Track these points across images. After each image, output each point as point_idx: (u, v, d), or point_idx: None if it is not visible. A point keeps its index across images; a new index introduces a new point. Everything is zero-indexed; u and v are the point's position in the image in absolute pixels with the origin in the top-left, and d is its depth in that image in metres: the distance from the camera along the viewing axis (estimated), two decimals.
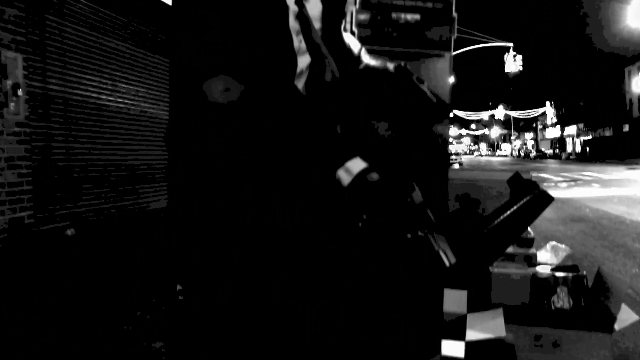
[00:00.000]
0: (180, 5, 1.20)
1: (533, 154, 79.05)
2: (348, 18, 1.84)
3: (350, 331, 1.24)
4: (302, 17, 1.25)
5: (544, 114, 79.74)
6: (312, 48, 1.25)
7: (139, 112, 6.96)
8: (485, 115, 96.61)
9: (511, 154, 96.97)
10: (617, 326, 2.25)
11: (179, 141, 1.20)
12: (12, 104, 4.57)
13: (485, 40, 23.61)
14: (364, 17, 1.80)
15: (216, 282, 1.18)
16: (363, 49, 1.45)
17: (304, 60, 1.26)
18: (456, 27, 1.98)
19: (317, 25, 1.29)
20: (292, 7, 1.25)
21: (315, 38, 1.25)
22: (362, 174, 1.08)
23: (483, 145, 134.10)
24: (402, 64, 1.40)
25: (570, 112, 67.66)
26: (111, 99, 6.38)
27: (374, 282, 1.20)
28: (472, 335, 1.94)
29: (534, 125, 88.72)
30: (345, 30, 1.39)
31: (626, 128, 50.02)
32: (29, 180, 4.78)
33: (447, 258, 1.10)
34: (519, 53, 25.49)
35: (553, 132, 77.07)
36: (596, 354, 2.26)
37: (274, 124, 1.07)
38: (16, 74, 4.63)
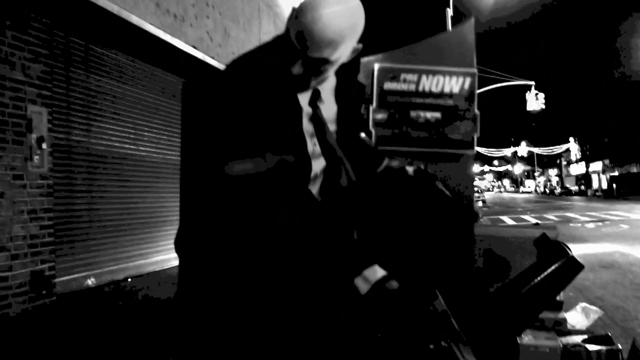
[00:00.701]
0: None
1: (558, 190, 77.85)
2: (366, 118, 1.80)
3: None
4: (317, 119, 1.22)
5: (567, 150, 78.83)
6: (327, 152, 1.21)
7: (162, 159, 7.04)
8: (508, 152, 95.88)
9: (535, 191, 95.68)
10: None
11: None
12: (36, 157, 4.64)
13: (507, 78, 23.61)
14: (381, 116, 1.72)
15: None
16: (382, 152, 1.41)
17: (318, 164, 1.22)
18: (479, 125, 1.91)
19: (332, 127, 1.26)
20: (306, 109, 1.22)
21: (330, 141, 1.21)
22: (381, 282, 1.02)
23: (506, 182, 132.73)
24: (422, 166, 1.36)
25: (595, 148, 66.74)
26: (133, 147, 6.46)
27: None
28: None
29: (558, 161, 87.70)
30: (363, 131, 1.35)
31: None
32: (51, 232, 4.81)
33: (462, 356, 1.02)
34: (541, 91, 25.33)
35: (578, 169, 75.98)
36: None
37: (285, 228, 1.03)
38: (41, 127, 4.71)
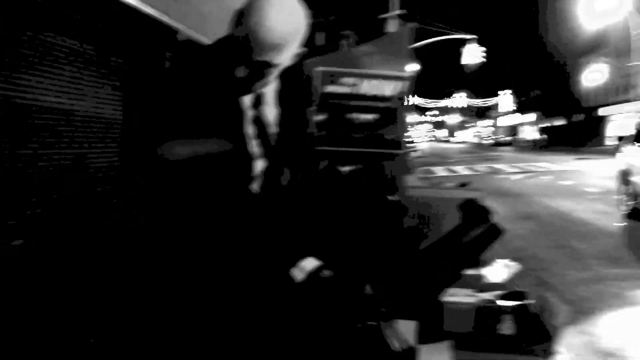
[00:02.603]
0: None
1: (490, 141, 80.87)
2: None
3: None
4: (259, 121, 1.29)
5: (501, 102, 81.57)
6: (268, 153, 1.30)
7: (94, 114, 6.82)
8: (444, 103, 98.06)
9: (469, 141, 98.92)
10: (557, 350, 2.40)
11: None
12: None
13: (447, 32, 23.93)
14: (320, 117, 1.80)
15: None
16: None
17: (260, 164, 1.30)
18: (420, 145, 2.08)
19: (274, 130, 1.34)
20: (249, 112, 1.29)
21: (271, 143, 1.30)
22: (316, 271, 1.14)
23: (441, 132, 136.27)
24: (356, 167, 1.47)
25: (527, 101, 69.54)
26: (64, 101, 6.21)
27: None
28: None
29: (491, 113, 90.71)
30: (303, 133, 1.44)
31: (578, 118, 51.88)
32: None
33: (397, 343, 1.18)
34: (480, 45, 25.89)
35: (510, 120, 79.02)
36: None
37: (226, 220, 1.13)
38: None
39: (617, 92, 43.48)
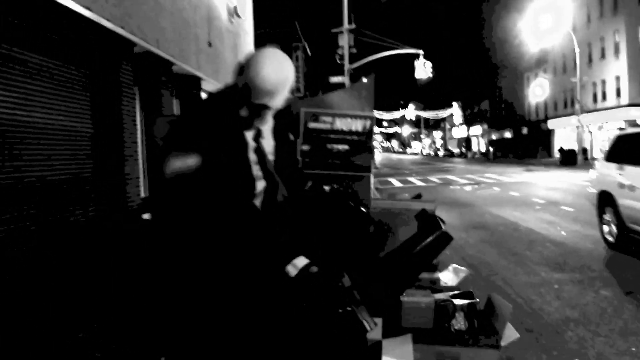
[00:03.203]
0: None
1: (441, 152, 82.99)
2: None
3: None
4: (259, 151, 1.57)
5: (451, 114, 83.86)
6: (267, 176, 1.57)
7: (59, 126, 6.86)
8: (397, 114, 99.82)
9: (421, 152, 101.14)
10: (502, 342, 2.70)
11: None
12: None
13: (397, 47, 24.65)
14: (306, 147, 2.19)
15: None
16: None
17: (260, 184, 1.57)
18: (374, 153, 2.44)
19: (270, 157, 1.62)
20: (251, 143, 1.57)
21: (269, 168, 1.57)
22: (306, 267, 1.41)
23: (395, 143, 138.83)
24: (335, 186, 1.77)
25: (476, 114, 71.80)
26: (24, 113, 6.25)
27: (314, 344, 1.52)
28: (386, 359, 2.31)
29: (442, 125, 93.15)
30: (293, 160, 1.75)
31: (525, 130, 53.98)
32: None
33: (368, 324, 1.45)
34: (428, 60, 26.71)
35: (460, 132, 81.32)
36: None
37: (235, 229, 1.38)
38: None
39: (561, 106, 45.54)
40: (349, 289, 1.45)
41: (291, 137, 1.79)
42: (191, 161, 1.42)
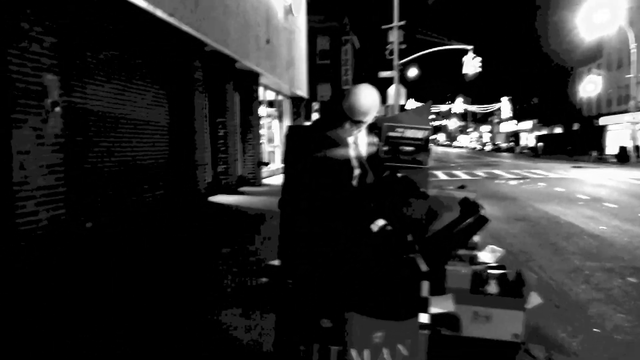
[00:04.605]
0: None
1: (489, 147, 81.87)
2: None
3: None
4: (356, 150, 2.33)
5: (499, 108, 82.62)
6: (361, 166, 2.33)
7: (143, 118, 7.82)
8: (444, 108, 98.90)
9: (468, 146, 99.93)
10: (527, 306, 3.36)
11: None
12: (51, 120, 5.40)
13: (447, 43, 24.97)
14: (385, 149, 3.01)
15: None
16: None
17: (357, 171, 2.34)
18: (431, 153, 3.21)
19: (364, 154, 2.39)
20: (352, 145, 2.34)
21: (362, 161, 2.34)
22: (383, 226, 2.17)
23: (441, 136, 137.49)
24: (406, 174, 2.52)
25: (525, 109, 70.52)
26: (125, 109, 7.21)
27: (389, 278, 2.29)
28: (433, 310, 3.01)
29: (490, 119, 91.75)
30: (378, 156, 2.54)
31: (575, 126, 52.89)
32: (63, 183, 5.62)
33: (423, 266, 2.18)
34: (478, 54, 26.85)
35: (508, 126, 79.98)
36: (514, 326, 3.35)
37: (340, 201, 2.16)
38: (54, 93, 5.45)
39: (614, 103, 44.47)
40: (411, 243, 2.20)
41: (376, 141, 2.58)
42: (317, 156, 2.22)
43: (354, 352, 2.29)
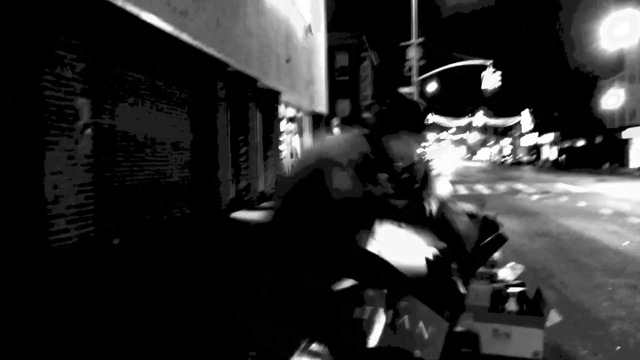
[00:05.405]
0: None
1: (510, 160, 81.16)
2: None
3: None
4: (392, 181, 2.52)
5: (520, 122, 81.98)
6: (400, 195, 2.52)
7: (169, 139, 8.04)
8: (464, 121, 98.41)
9: (489, 160, 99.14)
10: (547, 324, 3.41)
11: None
12: (82, 141, 5.61)
13: (465, 58, 25.06)
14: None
15: None
16: None
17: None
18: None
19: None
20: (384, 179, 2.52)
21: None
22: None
23: (462, 150, 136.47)
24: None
25: (547, 122, 69.84)
26: (151, 130, 7.44)
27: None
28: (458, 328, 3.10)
29: (511, 132, 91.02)
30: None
31: (598, 139, 52.22)
32: (92, 202, 5.83)
33: (461, 288, 2.34)
34: (498, 68, 26.84)
35: (530, 140, 79.28)
36: (533, 344, 3.40)
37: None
38: (85, 116, 5.67)
39: (638, 115, 43.86)
40: (455, 270, 2.38)
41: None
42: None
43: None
